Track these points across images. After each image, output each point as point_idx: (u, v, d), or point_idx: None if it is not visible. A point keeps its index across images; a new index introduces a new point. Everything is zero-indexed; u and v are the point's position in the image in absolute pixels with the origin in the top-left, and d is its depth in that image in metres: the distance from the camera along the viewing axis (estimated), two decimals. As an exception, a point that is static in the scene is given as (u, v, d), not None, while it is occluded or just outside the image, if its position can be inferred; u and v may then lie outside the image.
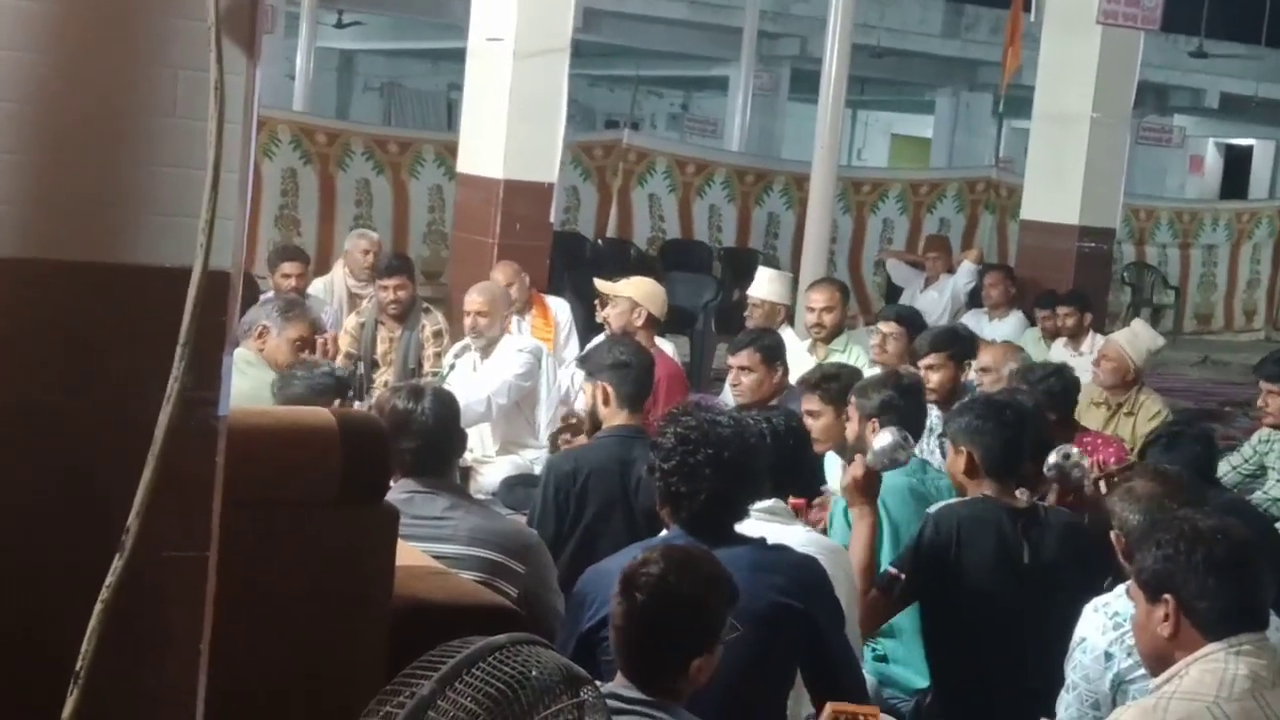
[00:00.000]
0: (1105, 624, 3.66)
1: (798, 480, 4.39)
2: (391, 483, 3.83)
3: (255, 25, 2.56)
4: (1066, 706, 3.73)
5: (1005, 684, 4.21)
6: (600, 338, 6.70)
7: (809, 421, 5.36)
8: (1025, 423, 4.64)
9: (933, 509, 4.47)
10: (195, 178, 2.47)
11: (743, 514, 3.71)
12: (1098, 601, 3.74)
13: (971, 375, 6.68)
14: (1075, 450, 5.04)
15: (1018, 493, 4.59)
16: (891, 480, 4.84)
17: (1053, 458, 4.97)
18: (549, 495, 4.83)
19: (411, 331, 7.63)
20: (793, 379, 6.50)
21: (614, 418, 5.09)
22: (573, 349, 7.98)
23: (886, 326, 7.33)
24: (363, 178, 12.77)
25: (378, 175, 12.83)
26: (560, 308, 8.58)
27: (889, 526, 4.73)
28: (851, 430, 5.33)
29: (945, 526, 4.35)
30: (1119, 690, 3.65)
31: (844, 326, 7.74)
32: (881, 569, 4.54)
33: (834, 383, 5.51)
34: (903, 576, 4.37)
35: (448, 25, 18.35)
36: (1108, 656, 3.63)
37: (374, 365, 7.63)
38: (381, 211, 12.81)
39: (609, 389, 5.10)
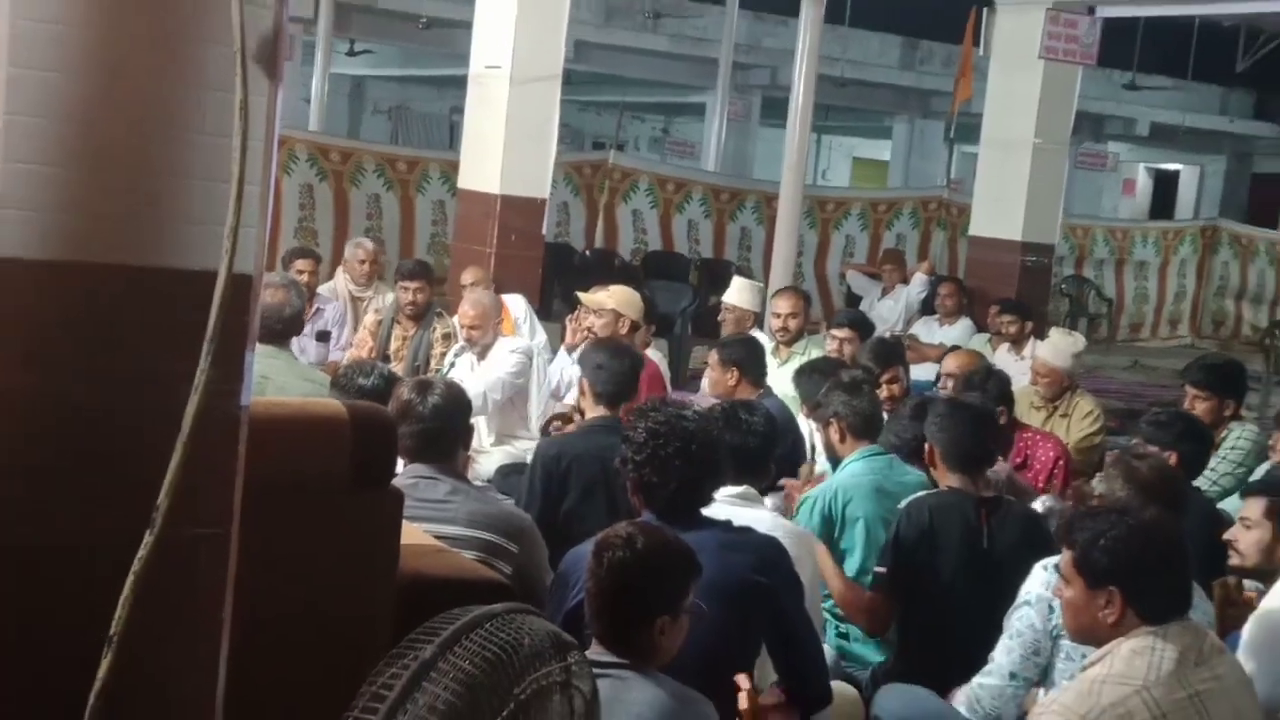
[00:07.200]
0: (1053, 580, 3.66)
1: (765, 469, 4.41)
2: (400, 467, 3.84)
3: (278, 51, 2.56)
4: (1008, 651, 3.79)
5: (959, 656, 4.21)
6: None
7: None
8: (984, 420, 4.75)
9: (904, 503, 4.51)
10: (221, 189, 2.47)
11: (708, 499, 3.73)
12: (1047, 561, 3.77)
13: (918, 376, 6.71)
14: None
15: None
16: (858, 480, 4.86)
17: None
18: (536, 478, 4.86)
19: (424, 331, 7.63)
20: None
21: (592, 410, 5.19)
22: (538, 337, 7.93)
23: (840, 332, 7.55)
24: (374, 193, 12.73)
25: (387, 191, 12.79)
26: (514, 303, 8.55)
27: (862, 523, 4.77)
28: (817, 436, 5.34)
29: (916, 517, 4.40)
30: (1055, 641, 3.73)
31: (805, 331, 7.81)
32: (857, 564, 4.66)
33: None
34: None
35: (451, 54, 18.35)
36: (1051, 609, 3.69)
37: (386, 359, 7.63)
38: (390, 224, 12.78)
39: (586, 384, 5.21)
